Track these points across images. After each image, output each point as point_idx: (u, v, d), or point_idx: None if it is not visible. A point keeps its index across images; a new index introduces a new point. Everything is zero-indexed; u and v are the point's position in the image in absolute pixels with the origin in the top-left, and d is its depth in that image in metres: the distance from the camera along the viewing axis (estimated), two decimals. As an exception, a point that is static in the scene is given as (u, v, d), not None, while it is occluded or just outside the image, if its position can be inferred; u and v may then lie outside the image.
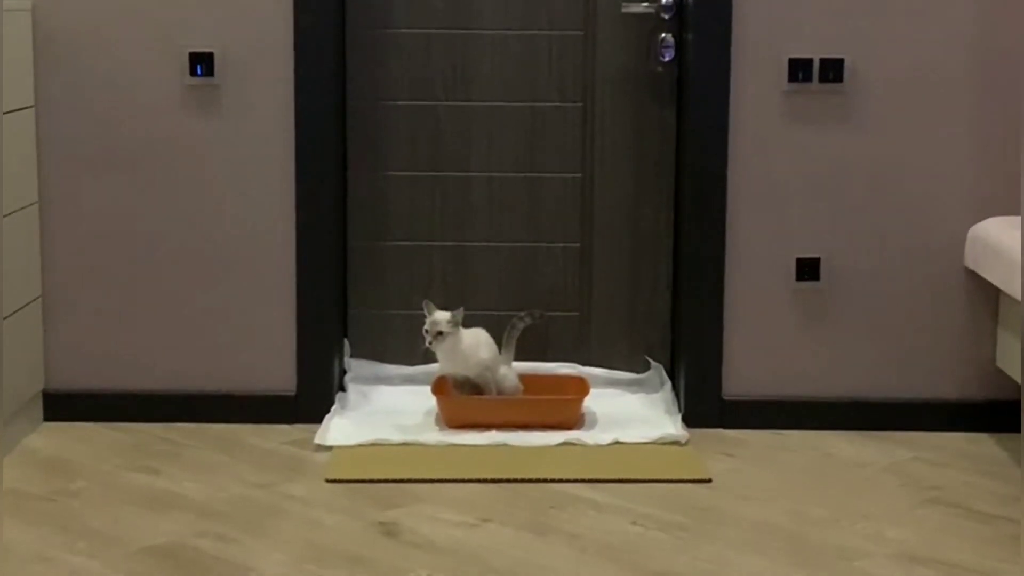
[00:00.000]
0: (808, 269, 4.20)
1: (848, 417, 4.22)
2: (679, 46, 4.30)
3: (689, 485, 3.79)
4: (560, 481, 3.78)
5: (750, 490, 3.77)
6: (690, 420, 4.20)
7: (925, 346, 4.23)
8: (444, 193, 4.46)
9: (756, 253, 4.21)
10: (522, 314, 4.32)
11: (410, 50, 4.40)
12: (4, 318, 3.81)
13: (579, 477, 3.80)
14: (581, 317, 4.50)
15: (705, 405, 4.24)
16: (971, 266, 4.14)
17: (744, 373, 4.25)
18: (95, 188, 4.18)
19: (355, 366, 4.44)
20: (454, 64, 4.41)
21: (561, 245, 4.48)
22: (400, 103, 4.42)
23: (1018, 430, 3.89)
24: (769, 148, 4.17)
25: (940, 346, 4.23)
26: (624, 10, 4.32)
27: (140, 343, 4.24)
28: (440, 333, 4.12)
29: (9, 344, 3.84)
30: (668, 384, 4.39)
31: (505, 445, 4.03)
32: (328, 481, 3.78)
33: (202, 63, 4.13)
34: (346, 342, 4.46)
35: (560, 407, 4.21)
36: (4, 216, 3.83)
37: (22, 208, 4.04)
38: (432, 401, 4.22)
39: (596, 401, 4.28)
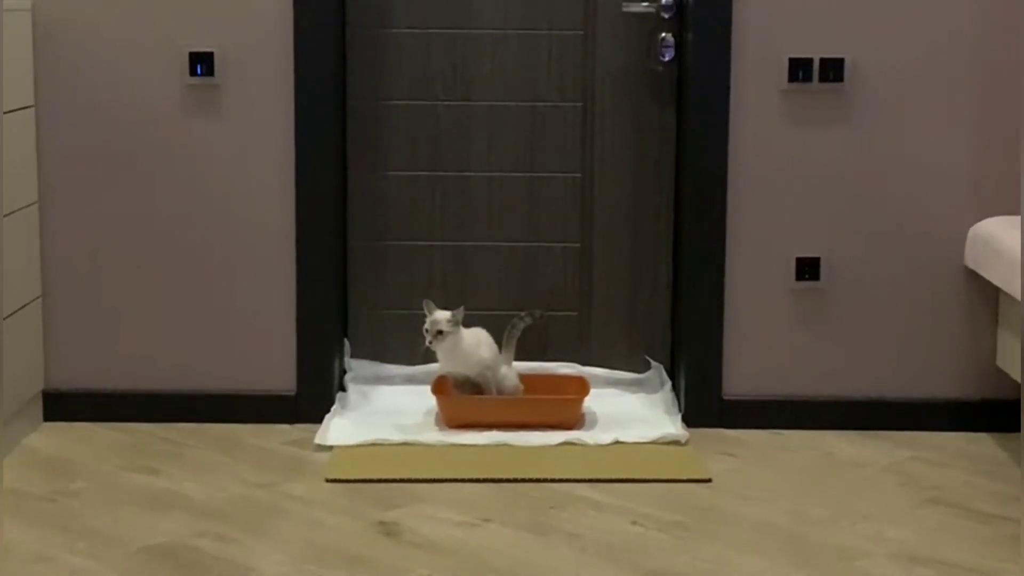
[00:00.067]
0: (808, 269, 4.20)
1: (848, 417, 4.22)
2: (679, 46, 4.30)
3: (689, 485, 3.79)
4: (560, 481, 3.78)
5: (750, 490, 3.77)
6: (690, 420, 4.20)
7: (925, 346, 4.23)
8: (444, 193, 4.46)
9: (756, 253, 4.21)
10: (522, 314, 4.32)
11: (410, 50, 4.40)
12: (4, 318, 3.81)
13: (579, 477, 3.80)
14: (581, 317, 4.50)
15: (705, 405, 4.24)
16: (971, 266, 4.14)
17: (744, 373, 4.25)
18: (95, 188, 4.18)
19: (355, 366, 4.44)
20: (454, 64, 4.41)
21: (561, 245, 4.48)
22: (400, 103, 4.42)
23: (1018, 430, 3.88)
24: (769, 148, 4.17)
25: (940, 346, 4.23)
26: (624, 9, 4.32)
27: (140, 343, 4.24)
28: (440, 332, 4.12)
29: (9, 344, 3.84)
30: (668, 384, 4.39)
31: (505, 445, 4.03)
32: (328, 481, 3.78)
33: (202, 63, 4.13)
34: (346, 342, 4.46)
35: (560, 407, 4.21)
36: (4, 216, 3.83)
37: (22, 208, 4.04)
38: (432, 401, 4.22)
39: (596, 401, 4.28)
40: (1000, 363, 4.16)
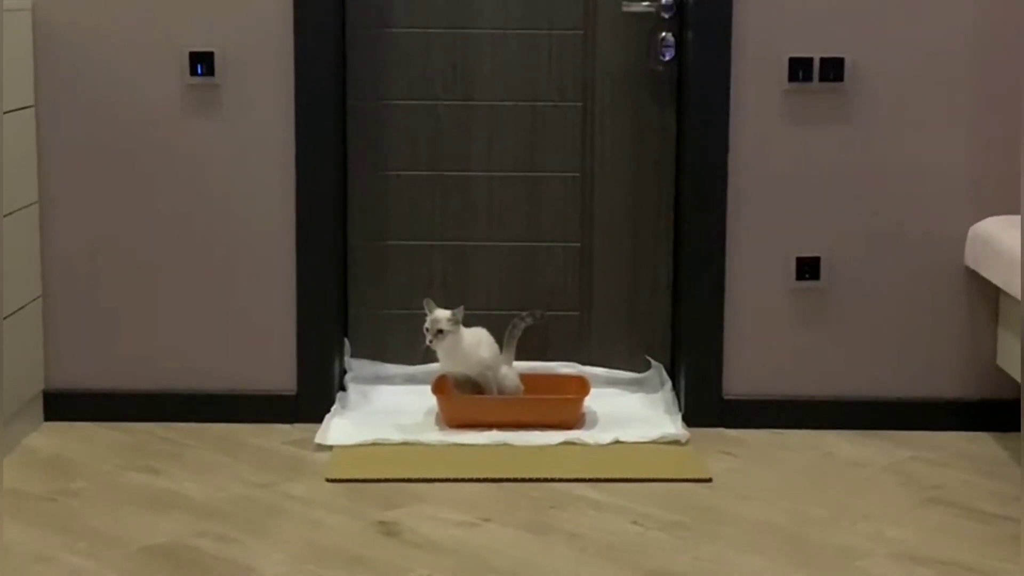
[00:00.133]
0: (808, 268, 4.20)
1: (848, 417, 4.22)
2: (679, 45, 4.30)
3: (689, 484, 3.79)
4: (560, 480, 3.78)
5: (750, 490, 3.77)
6: (690, 420, 4.20)
7: (925, 345, 4.23)
8: (444, 193, 4.46)
9: (756, 253, 4.21)
10: (523, 314, 4.32)
11: (410, 50, 4.40)
12: (4, 318, 3.81)
13: (579, 476, 3.80)
14: (581, 317, 4.50)
15: (705, 405, 4.24)
16: (971, 265, 4.14)
17: (744, 373, 4.25)
18: (95, 188, 4.18)
19: (355, 366, 4.44)
20: (454, 64, 4.41)
21: (561, 245, 4.48)
22: (400, 103, 4.42)
23: (1018, 430, 3.88)
24: (769, 148, 4.17)
25: (940, 345, 4.23)
26: (624, 9, 4.32)
27: (140, 343, 4.24)
28: (440, 331, 4.12)
29: (9, 344, 3.84)
30: (668, 383, 4.39)
31: (505, 445, 4.03)
32: (328, 481, 3.78)
33: (202, 63, 4.13)
34: (346, 342, 4.46)
35: (560, 407, 4.21)
36: (4, 216, 3.83)
37: (22, 208, 4.04)
38: (432, 401, 4.22)
39: (596, 401, 4.28)
40: (1000, 363, 4.16)
